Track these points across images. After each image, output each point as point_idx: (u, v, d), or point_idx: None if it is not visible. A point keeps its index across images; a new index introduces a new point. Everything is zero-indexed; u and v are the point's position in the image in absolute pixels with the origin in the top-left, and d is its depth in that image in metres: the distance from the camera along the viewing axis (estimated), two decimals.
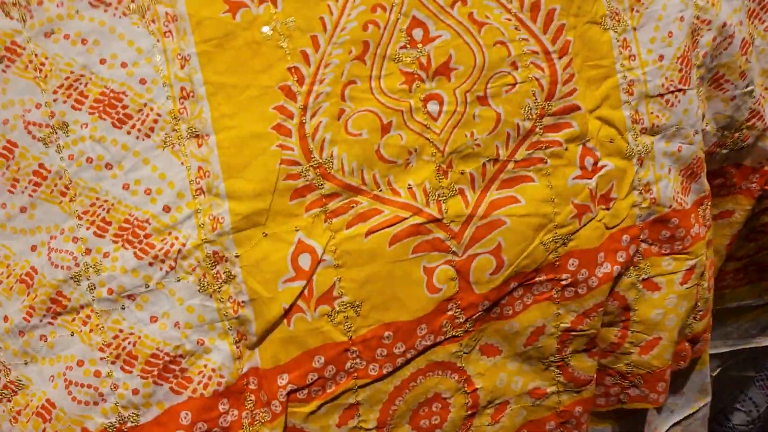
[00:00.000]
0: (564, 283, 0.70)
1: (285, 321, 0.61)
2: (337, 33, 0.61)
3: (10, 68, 0.58)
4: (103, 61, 0.57)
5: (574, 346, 0.74)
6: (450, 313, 0.67)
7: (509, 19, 0.64)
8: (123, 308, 0.57)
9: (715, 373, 1.00)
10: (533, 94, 0.64)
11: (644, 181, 0.69)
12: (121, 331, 0.57)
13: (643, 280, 0.74)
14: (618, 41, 0.67)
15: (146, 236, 0.57)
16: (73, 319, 0.58)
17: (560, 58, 0.65)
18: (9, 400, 0.59)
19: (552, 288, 0.70)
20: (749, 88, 0.75)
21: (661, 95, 0.68)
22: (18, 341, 0.59)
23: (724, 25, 0.71)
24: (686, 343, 0.82)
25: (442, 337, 0.68)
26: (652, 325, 0.77)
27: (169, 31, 0.58)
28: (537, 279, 0.69)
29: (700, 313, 0.80)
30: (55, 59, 0.57)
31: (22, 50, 0.58)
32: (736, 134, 0.78)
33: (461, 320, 0.67)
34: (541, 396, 0.77)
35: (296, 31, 0.60)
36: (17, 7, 0.57)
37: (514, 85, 0.64)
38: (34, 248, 0.58)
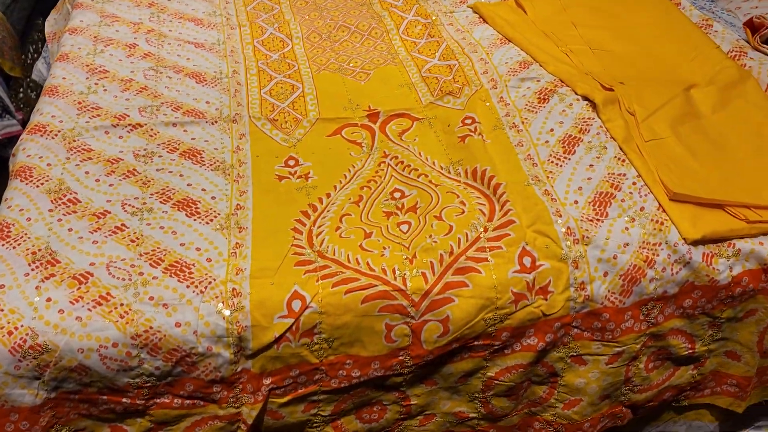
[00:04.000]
0: (496, 347, 0.86)
1: (275, 346, 0.80)
2: (343, 190, 0.96)
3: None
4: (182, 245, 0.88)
5: (495, 391, 0.89)
6: (401, 358, 0.84)
7: (459, 183, 0.96)
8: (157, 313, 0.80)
9: None
10: (478, 218, 0.90)
11: (579, 280, 0.86)
12: (151, 327, 0.79)
13: (572, 356, 0.89)
14: (540, 191, 0.94)
15: (189, 272, 0.83)
16: (110, 312, 0.79)
17: (495, 194, 0.93)
18: (34, 358, 0.77)
19: (485, 350, 0.86)
20: None
21: (583, 221, 0.90)
22: (55, 316, 0.78)
23: None
24: (623, 408, 0.93)
25: (391, 373, 0.85)
26: (575, 389, 0.91)
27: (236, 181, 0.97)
28: (475, 343, 0.85)
29: (638, 387, 0.92)
30: (150, 237, 0.88)
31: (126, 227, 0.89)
32: None
33: (409, 365, 0.84)
34: (463, 418, 0.92)
35: (319, 189, 0.96)
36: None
37: (463, 212, 0.91)
38: (92, 264, 0.83)
